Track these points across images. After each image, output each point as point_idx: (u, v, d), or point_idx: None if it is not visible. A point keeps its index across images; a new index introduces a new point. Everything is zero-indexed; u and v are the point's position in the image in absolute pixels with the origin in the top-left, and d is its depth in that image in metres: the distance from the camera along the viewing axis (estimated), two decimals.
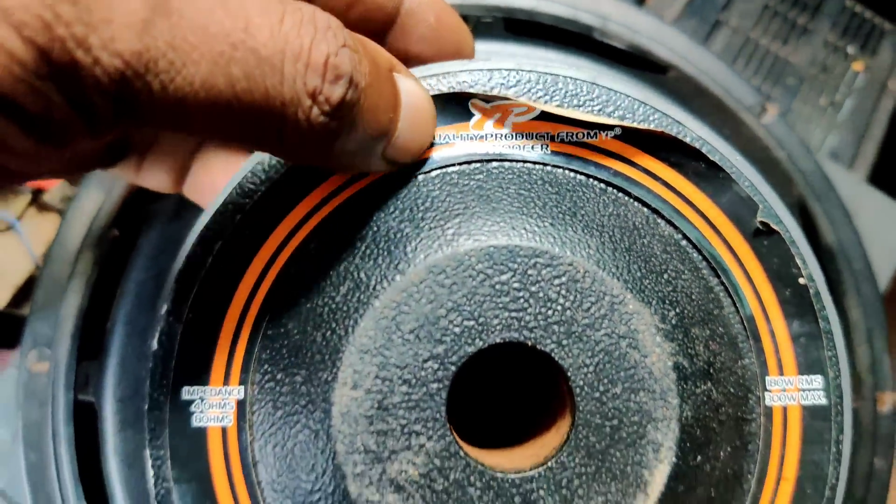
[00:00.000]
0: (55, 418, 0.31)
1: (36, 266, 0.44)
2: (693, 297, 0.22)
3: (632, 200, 0.22)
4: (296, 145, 0.18)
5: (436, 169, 0.22)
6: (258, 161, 0.21)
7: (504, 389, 0.26)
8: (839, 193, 0.37)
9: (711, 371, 0.21)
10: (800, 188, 0.36)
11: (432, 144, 0.22)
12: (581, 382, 0.20)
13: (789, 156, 0.37)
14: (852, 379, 0.33)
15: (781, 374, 0.22)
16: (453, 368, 0.20)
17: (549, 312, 0.20)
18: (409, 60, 0.24)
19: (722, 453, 0.21)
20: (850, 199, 0.40)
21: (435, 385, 0.20)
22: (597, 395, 0.20)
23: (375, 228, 0.21)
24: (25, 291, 0.44)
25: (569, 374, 0.20)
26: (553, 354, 0.20)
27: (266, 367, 0.21)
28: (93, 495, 0.30)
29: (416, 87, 0.21)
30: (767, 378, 0.22)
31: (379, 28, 0.23)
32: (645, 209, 0.22)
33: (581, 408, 0.20)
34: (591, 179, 0.22)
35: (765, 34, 0.47)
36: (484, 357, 0.20)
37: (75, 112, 0.15)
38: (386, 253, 0.21)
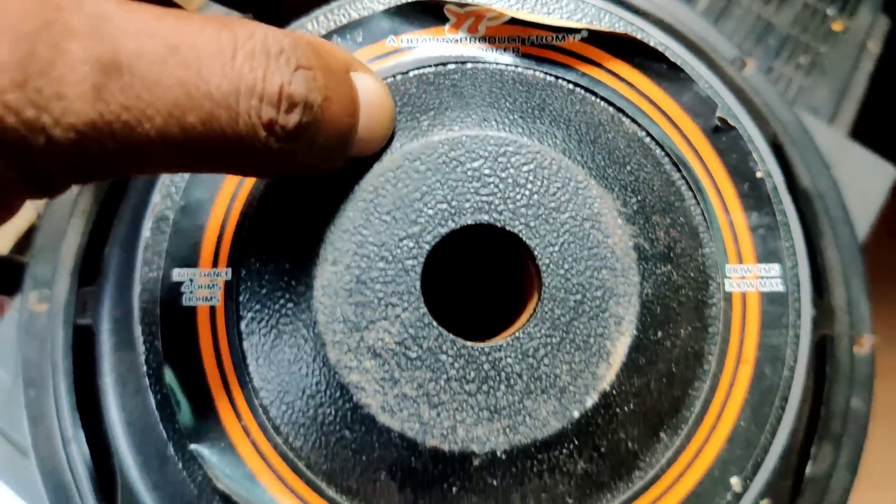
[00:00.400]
0: (54, 352, 0.32)
1: (38, 215, 0.45)
2: (654, 188, 0.23)
3: (598, 100, 0.24)
4: (258, 169, 0.19)
5: (413, 70, 0.24)
6: None
7: (479, 289, 0.27)
8: (818, 143, 0.38)
9: (672, 255, 0.22)
10: (774, 129, 0.37)
11: (409, 48, 0.24)
12: (547, 261, 0.21)
13: (766, 105, 0.38)
14: (824, 308, 0.34)
15: (741, 262, 0.23)
16: (427, 247, 0.21)
17: (518, 196, 0.22)
18: None
19: (682, 332, 0.22)
20: (831, 151, 0.41)
21: (410, 262, 0.21)
22: (561, 272, 0.21)
23: None
24: (28, 240, 0.45)
25: (535, 252, 0.22)
26: (521, 235, 0.22)
27: (253, 249, 0.22)
28: (90, 422, 0.31)
29: (372, 83, 0.21)
30: (727, 266, 0.23)
31: None
32: (610, 108, 0.24)
33: (547, 283, 0.21)
34: (559, 80, 0.24)
35: None
36: (456, 238, 0.22)
37: (30, 186, 0.15)
38: None
